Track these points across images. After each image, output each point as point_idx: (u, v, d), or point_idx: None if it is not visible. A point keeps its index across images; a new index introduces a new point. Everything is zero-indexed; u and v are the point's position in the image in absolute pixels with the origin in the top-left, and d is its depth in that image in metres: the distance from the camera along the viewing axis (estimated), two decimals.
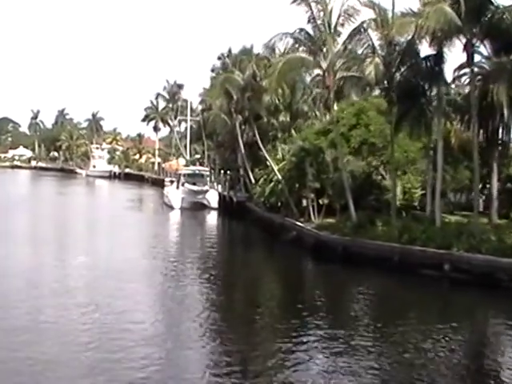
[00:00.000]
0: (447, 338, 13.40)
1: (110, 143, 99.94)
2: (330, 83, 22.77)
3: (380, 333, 13.75)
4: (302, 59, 23.19)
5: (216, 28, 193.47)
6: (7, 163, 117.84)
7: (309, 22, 22.58)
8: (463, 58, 22.74)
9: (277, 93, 30.48)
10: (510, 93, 20.01)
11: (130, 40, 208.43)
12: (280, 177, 29.37)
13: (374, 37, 21.69)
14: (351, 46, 22.24)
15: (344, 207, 25.18)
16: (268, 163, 32.51)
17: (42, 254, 22.38)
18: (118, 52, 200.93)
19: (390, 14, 21.33)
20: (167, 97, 76.08)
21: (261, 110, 35.15)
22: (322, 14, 22.43)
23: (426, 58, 21.05)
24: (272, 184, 30.46)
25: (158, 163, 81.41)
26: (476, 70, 21.44)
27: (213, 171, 49.41)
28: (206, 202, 43.50)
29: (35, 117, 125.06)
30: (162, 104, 78.69)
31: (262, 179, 33.02)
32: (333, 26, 22.45)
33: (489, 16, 18.82)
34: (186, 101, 64.64)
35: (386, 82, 21.64)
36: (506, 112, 21.11)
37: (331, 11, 22.53)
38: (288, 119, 36.22)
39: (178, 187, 44.84)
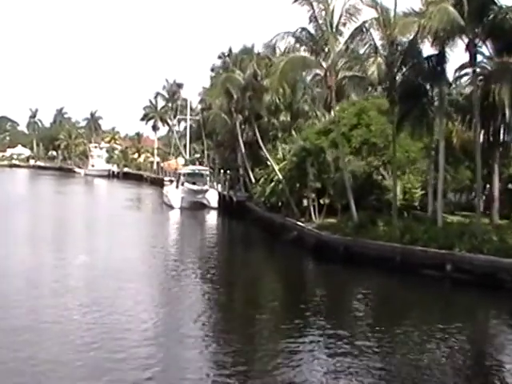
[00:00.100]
0: (449, 339, 13.38)
1: (109, 142, 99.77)
2: (332, 83, 22.71)
3: (382, 333, 13.72)
4: (303, 59, 23.15)
5: (216, 27, 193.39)
6: (5, 162, 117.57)
7: (310, 21, 22.54)
8: (464, 58, 22.80)
9: (278, 92, 30.44)
10: None
11: (129, 39, 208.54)
12: (281, 176, 29.31)
13: (376, 36, 21.68)
14: (353, 46, 22.19)
15: (345, 207, 25.16)
16: (269, 163, 32.46)
17: (41, 254, 22.31)
18: (117, 51, 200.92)
19: (391, 14, 21.23)
20: (166, 96, 75.97)
21: (261, 110, 35.10)
22: (323, 13, 22.38)
23: (428, 57, 21.02)
24: (273, 184, 30.40)
25: (157, 162, 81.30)
26: (478, 70, 21.38)
27: (212, 171, 49.30)
28: (205, 202, 43.40)
29: (33, 115, 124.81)
30: (160, 103, 78.66)
31: (262, 179, 32.97)
32: (335, 26, 22.40)
33: (492, 16, 18.78)
34: (185, 100, 64.60)
35: (387, 81, 21.55)
36: (507, 112, 21.06)
37: (333, 10, 22.49)
38: (288, 119, 36.17)
39: (177, 187, 44.73)
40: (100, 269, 19.61)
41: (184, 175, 44.51)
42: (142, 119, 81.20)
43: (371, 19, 21.57)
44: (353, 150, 26.75)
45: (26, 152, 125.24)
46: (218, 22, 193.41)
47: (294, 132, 35.55)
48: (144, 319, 13.98)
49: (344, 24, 22.31)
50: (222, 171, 46.14)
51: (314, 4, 22.33)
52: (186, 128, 66.19)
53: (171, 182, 50.05)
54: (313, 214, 26.71)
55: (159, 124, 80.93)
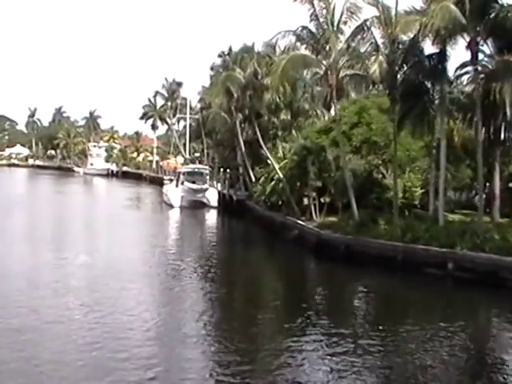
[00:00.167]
0: (452, 337, 13.38)
1: (108, 141, 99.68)
2: (333, 81, 22.67)
3: (385, 332, 13.70)
4: (304, 57, 23.09)
5: (215, 26, 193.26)
6: (4, 161, 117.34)
7: (311, 19, 22.48)
8: (464, 56, 22.77)
9: (278, 91, 30.40)
10: None
11: (128, 38, 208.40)
12: (281, 175, 29.29)
13: (377, 35, 21.62)
14: (354, 44, 22.13)
15: (345, 206, 25.14)
16: (269, 162, 32.42)
17: (41, 254, 22.17)
18: (116, 50, 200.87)
19: (392, 12, 21.18)
20: (166, 95, 75.88)
21: (261, 109, 35.04)
22: (324, 11, 22.32)
23: (430, 56, 20.99)
24: (273, 182, 30.38)
25: (156, 161, 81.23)
26: (479, 68, 21.35)
27: (212, 169, 49.25)
28: (205, 201, 43.36)
29: (32, 115, 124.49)
30: (160, 102, 78.57)
31: (262, 178, 32.93)
32: (335, 24, 22.36)
33: (493, 14, 18.75)
34: (185, 99, 64.50)
35: (389, 80, 21.50)
36: (508, 111, 21.03)
37: (334, 9, 22.45)
38: (289, 117, 36.13)
39: (177, 185, 44.67)
40: (101, 268, 19.56)
41: (184, 174, 44.45)
42: (141, 118, 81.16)
43: (372, 17, 21.54)
44: (353, 148, 26.72)
45: (25, 151, 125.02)
46: (217, 20, 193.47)
47: (294, 131, 35.51)
48: (146, 319, 13.95)
49: (345, 22, 22.27)
50: (221, 170, 46.09)
51: (315, 2, 22.29)
52: (185, 127, 66.17)
53: (171, 180, 49.98)
54: (313, 212, 26.70)
55: (158, 123, 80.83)
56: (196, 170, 45.85)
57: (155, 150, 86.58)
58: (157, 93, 77.10)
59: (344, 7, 22.39)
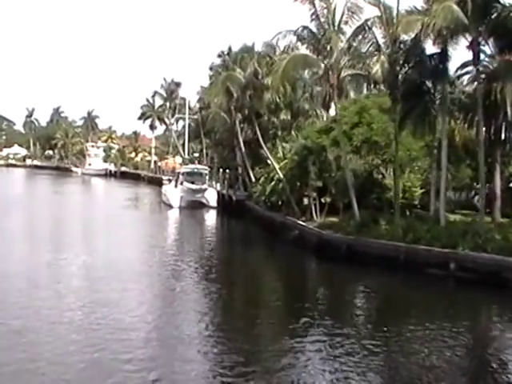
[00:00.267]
0: (454, 338, 13.34)
1: (106, 141, 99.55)
2: (334, 81, 22.63)
3: (387, 332, 13.68)
4: (305, 57, 23.05)
5: (214, 26, 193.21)
6: (2, 162, 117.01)
7: (312, 19, 22.42)
8: (465, 56, 22.78)
9: (279, 91, 30.37)
10: None
11: (126, 37, 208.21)
12: (281, 175, 29.23)
13: (379, 35, 21.58)
14: (355, 44, 22.09)
15: (346, 206, 25.10)
16: (269, 162, 32.37)
17: (41, 255, 21.94)
18: (114, 50, 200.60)
19: (394, 12, 21.17)
20: (164, 95, 75.81)
21: (261, 108, 34.98)
22: (325, 11, 22.28)
23: (431, 56, 20.97)
24: (273, 183, 30.33)
25: (155, 161, 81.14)
26: (480, 68, 21.34)
27: (211, 169, 49.18)
28: (204, 201, 43.28)
29: (30, 115, 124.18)
30: (158, 102, 78.52)
31: (262, 178, 32.88)
32: (336, 24, 22.31)
33: (495, 14, 18.73)
34: (183, 99, 64.40)
35: (390, 79, 21.46)
36: (509, 111, 21.06)
37: (335, 9, 22.40)
38: (289, 117, 36.07)
39: (176, 186, 44.59)
40: (101, 269, 19.46)
41: (183, 174, 44.37)
42: (140, 118, 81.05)
43: (373, 17, 21.51)
44: (354, 148, 26.68)
45: (23, 151, 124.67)
46: (216, 20, 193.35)
47: (293, 131, 35.47)
48: (148, 320, 13.91)
49: (346, 22, 22.22)
50: (220, 170, 46.00)
51: (316, 2, 22.23)
52: (183, 127, 66.06)
53: (170, 181, 49.90)
54: (314, 212, 26.65)
55: (157, 123, 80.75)
56: (195, 170, 45.77)
57: (153, 150, 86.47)
58: (155, 93, 77.09)
59: (345, 7, 22.36)
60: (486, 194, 26.58)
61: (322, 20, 22.35)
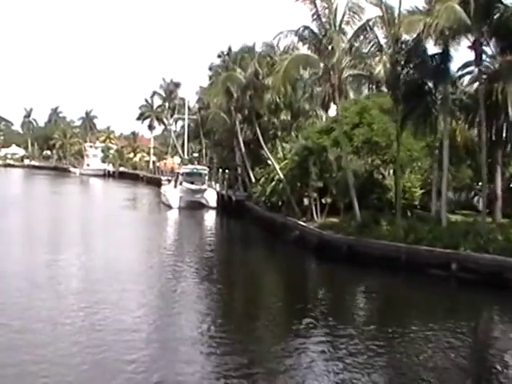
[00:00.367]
0: (456, 339, 13.31)
1: (104, 142, 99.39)
2: (335, 81, 22.58)
3: (389, 333, 13.64)
4: (306, 57, 23.02)
5: (213, 26, 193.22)
6: (0, 162, 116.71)
7: (313, 19, 22.38)
8: (465, 57, 22.77)
9: (279, 91, 30.33)
10: None
11: (125, 38, 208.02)
12: (282, 176, 29.18)
13: (380, 35, 21.57)
14: (357, 44, 22.04)
15: (347, 206, 25.06)
16: (269, 162, 32.31)
17: (39, 255, 21.80)
18: (113, 50, 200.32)
19: (395, 12, 21.14)
20: (163, 95, 75.73)
21: (261, 109, 34.91)
22: (327, 11, 22.24)
23: (433, 56, 20.96)
24: (273, 183, 30.27)
25: (153, 162, 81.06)
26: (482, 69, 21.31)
27: (210, 170, 49.11)
28: (204, 201, 43.20)
29: (28, 115, 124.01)
30: (157, 102, 78.51)
31: (263, 178, 32.82)
32: (338, 24, 22.27)
33: (497, 15, 18.72)
34: (182, 99, 64.31)
35: (392, 80, 21.42)
36: (511, 111, 21.05)
37: (336, 9, 22.37)
38: (289, 118, 36.01)
39: (175, 186, 44.51)
40: (101, 270, 19.37)
41: (182, 174, 44.29)
42: (138, 118, 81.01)
43: (375, 17, 21.48)
44: (354, 149, 26.64)
45: (21, 152, 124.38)
46: (215, 21, 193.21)
47: (294, 131, 35.42)
48: (150, 321, 13.86)
49: (347, 22, 22.19)
50: (220, 170, 45.95)
51: (317, 2, 22.19)
52: (182, 127, 66.02)
53: (169, 181, 49.82)
54: (314, 213, 26.60)
55: (155, 123, 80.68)
56: (195, 170, 45.69)
57: (152, 151, 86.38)
58: (154, 93, 77.05)
59: (346, 7, 22.32)
60: (487, 195, 26.67)
61: (324, 20, 22.30)
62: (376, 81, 22.23)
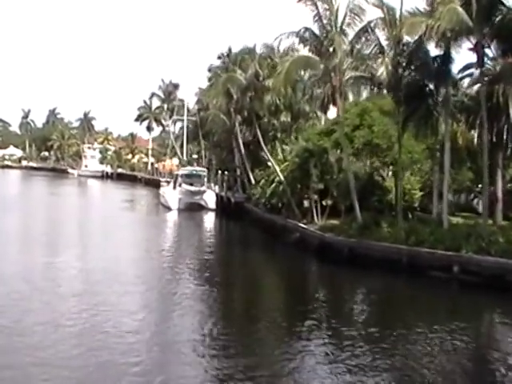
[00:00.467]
0: (459, 341, 13.29)
1: (102, 143, 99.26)
2: (337, 83, 22.54)
3: (392, 335, 13.63)
4: (308, 59, 22.97)
5: (212, 27, 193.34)
6: None
7: (315, 21, 22.33)
8: (466, 59, 22.76)
9: (280, 93, 30.29)
10: None
11: (123, 39, 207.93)
12: (282, 178, 29.12)
13: (382, 37, 21.53)
14: (359, 46, 21.99)
15: (347, 208, 25.00)
16: (270, 164, 32.25)
17: (38, 257, 21.66)
18: (111, 51, 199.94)
19: (397, 14, 21.11)
20: (162, 96, 75.64)
21: (261, 110, 34.85)
22: (328, 13, 22.20)
23: (434, 58, 20.94)
24: (274, 185, 30.21)
25: (152, 163, 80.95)
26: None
27: (209, 171, 49.03)
28: (203, 203, 43.14)
29: (26, 116, 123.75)
30: (155, 104, 78.44)
31: (263, 180, 32.75)
32: (339, 26, 22.23)
33: (499, 17, 18.71)
34: (181, 100, 64.25)
35: (393, 82, 21.39)
36: None
37: (337, 10, 22.34)
38: (289, 119, 35.96)
39: (174, 187, 44.44)
40: (101, 272, 19.20)
41: (181, 176, 44.23)
42: (137, 120, 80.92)
43: (376, 19, 21.45)
44: (355, 150, 26.60)
45: (19, 153, 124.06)
46: (214, 22, 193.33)
47: (293, 133, 35.38)
48: (151, 323, 13.82)
49: (348, 24, 22.15)
50: (219, 172, 45.89)
51: (319, 4, 22.14)
52: (181, 129, 65.92)
53: (168, 182, 49.75)
54: (315, 215, 26.53)
55: (154, 125, 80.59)
56: (194, 172, 45.65)
57: (150, 152, 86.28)
58: (153, 94, 77.00)
59: (347, 9, 22.28)
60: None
61: (325, 22, 22.25)
62: (378, 83, 22.12)
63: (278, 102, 33.66)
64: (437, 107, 21.90)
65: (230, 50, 42.43)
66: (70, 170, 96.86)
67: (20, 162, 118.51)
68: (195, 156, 62.18)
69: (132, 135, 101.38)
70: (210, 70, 47.32)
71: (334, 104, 25.10)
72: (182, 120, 61.70)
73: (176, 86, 72.95)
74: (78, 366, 10.84)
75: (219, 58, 43.47)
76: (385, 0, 21.40)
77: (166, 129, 78.89)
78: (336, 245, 22.49)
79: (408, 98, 21.26)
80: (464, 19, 18.04)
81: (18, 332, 12.53)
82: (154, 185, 61.64)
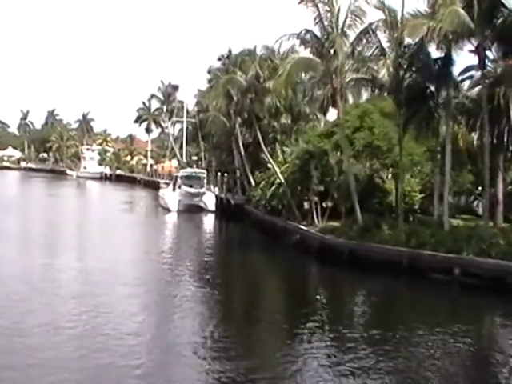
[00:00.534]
0: (461, 343, 13.30)
1: (101, 144, 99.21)
2: (338, 85, 22.52)
3: (394, 337, 13.61)
4: (309, 61, 22.95)
5: (211, 29, 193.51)
6: None
7: (316, 23, 22.32)
8: (466, 61, 22.76)
9: (280, 95, 30.26)
10: None
11: (122, 40, 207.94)
12: (283, 179, 29.09)
13: (383, 39, 21.54)
14: (360, 48, 21.98)
15: (348, 210, 24.96)
16: (270, 165, 32.24)
17: (37, 259, 21.54)
18: (110, 53, 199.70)
19: (398, 16, 21.11)
20: (162, 98, 75.63)
21: (261, 112, 34.83)
22: (329, 14, 22.20)
23: (435, 60, 20.95)
24: (274, 187, 30.18)
25: (151, 165, 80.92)
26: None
27: (208, 173, 48.99)
28: (202, 205, 43.10)
29: (25, 117, 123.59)
30: (154, 105, 78.47)
31: (263, 182, 32.72)
32: (340, 27, 22.22)
33: (501, 19, 18.72)
34: (181, 102, 64.19)
35: (395, 84, 21.38)
36: None
37: (338, 12, 22.33)
38: (289, 121, 35.94)
39: (174, 189, 44.39)
40: (101, 273, 19.13)
41: (181, 178, 44.20)
42: (136, 121, 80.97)
43: (377, 21, 21.45)
44: (355, 152, 26.59)
45: (17, 154, 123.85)
46: (213, 24, 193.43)
47: (294, 135, 35.37)
48: (152, 325, 13.78)
49: (349, 26, 22.14)
50: (218, 174, 45.85)
51: (320, 5, 22.14)
52: (180, 130, 65.90)
53: (167, 184, 49.71)
54: (315, 217, 26.50)
55: (152, 126, 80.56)
56: (193, 173, 45.63)
57: (149, 154, 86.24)
58: (152, 96, 77.00)
59: (348, 10, 22.28)
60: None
61: (326, 23, 22.24)
62: (380, 85, 22.11)
63: (278, 103, 33.64)
64: (438, 109, 21.90)
65: (230, 51, 42.45)
66: (68, 172, 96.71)
67: (19, 163, 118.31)
68: (195, 158, 62.06)
69: (131, 137, 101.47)
70: (209, 72, 47.41)
71: (334, 106, 25.09)
72: (182, 122, 61.66)
73: (175, 88, 72.97)
74: (78, 368, 10.78)
75: (219, 59, 43.51)
76: (386, 2, 21.47)
77: (165, 130, 78.92)
78: (337, 247, 22.45)
79: (409, 100, 21.26)
80: (466, 21, 18.04)
81: (18, 333, 12.46)
82: (153, 186, 61.60)
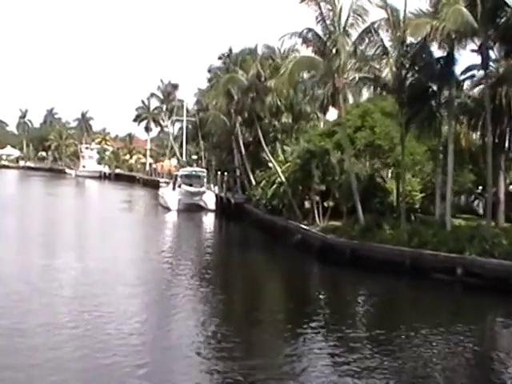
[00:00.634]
0: (465, 343, 13.29)
1: (100, 143, 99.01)
2: (340, 84, 22.44)
3: (398, 337, 13.60)
4: (311, 60, 22.86)
5: (211, 28, 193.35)
6: None
7: (318, 22, 22.23)
8: (468, 60, 22.67)
9: (282, 94, 30.15)
10: None
11: (122, 39, 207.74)
12: (283, 179, 29.01)
13: (385, 38, 21.46)
14: (362, 47, 21.90)
15: (350, 210, 24.89)
16: (271, 165, 32.15)
17: (36, 258, 21.49)
18: (109, 51, 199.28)
19: (401, 15, 21.05)
20: (161, 97, 75.42)
21: (262, 111, 34.74)
22: (331, 13, 22.11)
23: (438, 59, 20.89)
24: (275, 186, 30.10)
25: (150, 164, 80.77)
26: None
27: (208, 172, 48.91)
28: (202, 204, 43.03)
29: (23, 116, 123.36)
30: (153, 104, 78.23)
31: (263, 181, 32.64)
32: (342, 26, 22.14)
33: (504, 19, 18.65)
34: (180, 101, 64.04)
35: (397, 83, 21.30)
36: None
37: (341, 11, 22.24)
38: (290, 120, 35.85)
39: (174, 188, 44.30)
40: (101, 273, 19.05)
41: (181, 177, 44.10)
42: (135, 120, 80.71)
43: (380, 20, 21.38)
44: (356, 152, 26.53)
45: (16, 153, 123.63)
46: (213, 22, 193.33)
47: (294, 134, 35.29)
48: (154, 325, 13.72)
49: (352, 25, 22.06)
50: (218, 173, 45.76)
51: (322, 4, 22.04)
52: (180, 129, 65.76)
53: (167, 183, 49.60)
54: (317, 216, 26.43)
55: (152, 125, 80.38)
56: (193, 172, 45.54)
57: (148, 152, 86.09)
58: (152, 95, 76.75)
59: (350, 9, 22.19)
60: (485, 199, 26.58)
61: (328, 22, 22.15)
62: (383, 84, 22.03)
63: (279, 102, 33.54)
64: (440, 109, 21.84)
65: (230, 50, 42.27)
66: (67, 171, 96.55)
67: (17, 162, 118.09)
68: (194, 157, 61.94)
69: (130, 135, 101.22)
70: (209, 71, 47.27)
71: (334, 105, 25.00)
72: (181, 120, 61.52)
73: (175, 87, 72.76)
74: (80, 368, 10.75)
75: (220, 58, 43.36)
76: (388, 1, 21.37)
77: (165, 129, 78.79)
78: (338, 246, 22.39)
79: (411, 100, 21.20)
80: (469, 20, 17.97)
81: (19, 333, 12.40)
82: (153, 185, 61.49)
